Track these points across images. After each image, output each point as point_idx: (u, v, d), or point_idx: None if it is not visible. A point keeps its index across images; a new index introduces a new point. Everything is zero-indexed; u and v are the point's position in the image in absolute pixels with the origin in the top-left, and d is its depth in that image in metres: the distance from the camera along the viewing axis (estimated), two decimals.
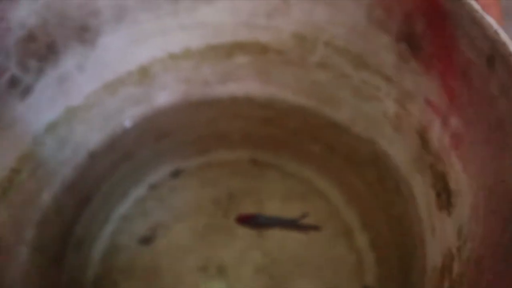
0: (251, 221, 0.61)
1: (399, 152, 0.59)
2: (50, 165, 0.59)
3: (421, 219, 0.56)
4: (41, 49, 0.52)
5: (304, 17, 0.55)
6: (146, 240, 0.73)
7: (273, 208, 0.76)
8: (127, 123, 0.65)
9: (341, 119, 0.64)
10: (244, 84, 0.67)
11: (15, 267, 0.58)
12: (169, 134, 0.73)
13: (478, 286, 0.39)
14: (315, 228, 0.63)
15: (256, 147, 0.79)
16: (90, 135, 0.61)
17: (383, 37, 0.51)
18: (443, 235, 0.49)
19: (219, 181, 0.78)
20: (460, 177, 0.46)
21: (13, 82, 0.52)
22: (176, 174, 0.78)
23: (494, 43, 0.37)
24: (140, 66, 0.60)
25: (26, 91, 0.53)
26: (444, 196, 0.49)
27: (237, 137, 0.76)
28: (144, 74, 0.61)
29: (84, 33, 0.52)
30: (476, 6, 0.38)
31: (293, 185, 0.77)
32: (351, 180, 0.72)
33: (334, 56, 0.58)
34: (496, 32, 0.37)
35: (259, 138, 0.76)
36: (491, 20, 0.37)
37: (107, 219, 0.73)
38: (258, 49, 0.61)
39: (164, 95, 0.65)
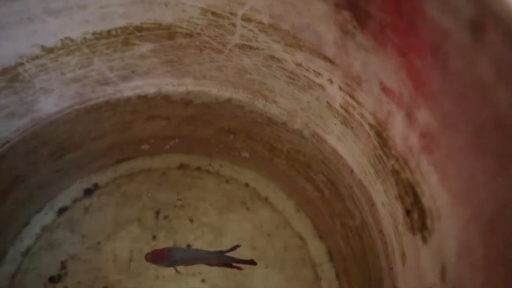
0: (165, 259, 0.45)
1: (352, 152, 0.45)
2: None
3: (386, 238, 0.42)
4: None
5: None
6: (56, 279, 0.58)
7: (209, 222, 0.61)
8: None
9: (277, 113, 0.49)
10: (154, 79, 0.51)
11: None
12: (72, 147, 0.56)
13: None
14: (251, 263, 0.48)
15: (183, 151, 0.63)
16: None
17: (318, 5, 0.36)
18: (418, 267, 0.35)
19: (143, 196, 0.62)
20: (437, 193, 0.32)
21: None
22: (90, 192, 0.62)
23: (483, 2, 0.22)
24: (3, 67, 0.43)
25: None
26: (416, 214, 0.35)
27: (159, 141, 0.60)
28: (12, 78, 0.44)
29: None
30: None
31: (231, 193, 0.62)
32: (298, 184, 0.57)
33: (259, 35, 0.42)
34: None
35: (185, 140, 0.60)
36: None
37: (3, 259, 0.57)
38: (161, 34, 0.45)
39: (50, 102, 0.49)
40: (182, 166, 0.63)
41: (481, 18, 0.23)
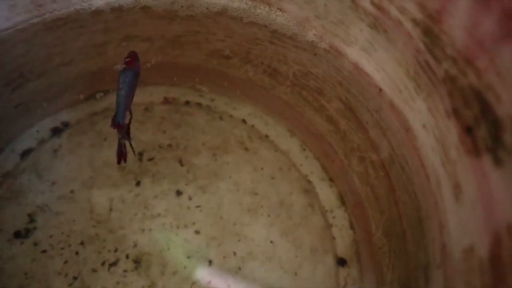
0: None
1: (381, 65, 0.35)
2: None
3: (427, 169, 0.33)
4: None
5: None
6: (23, 233, 0.48)
7: (202, 165, 0.51)
8: None
9: (284, 23, 0.39)
10: None
11: None
12: (33, 75, 0.46)
13: None
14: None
15: (168, 81, 0.53)
16: None
17: None
18: (485, 200, 0.26)
19: None
20: None
21: None
22: (58, 131, 0.52)
23: None
24: None
25: None
26: (484, 131, 0.26)
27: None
28: None
29: None
30: None
31: (226, 131, 0.53)
32: (305, 117, 0.48)
33: None
34: None
35: (170, 67, 0.50)
36: None
37: None
38: None
39: None
40: (166, 100, 0.53)
41: None
